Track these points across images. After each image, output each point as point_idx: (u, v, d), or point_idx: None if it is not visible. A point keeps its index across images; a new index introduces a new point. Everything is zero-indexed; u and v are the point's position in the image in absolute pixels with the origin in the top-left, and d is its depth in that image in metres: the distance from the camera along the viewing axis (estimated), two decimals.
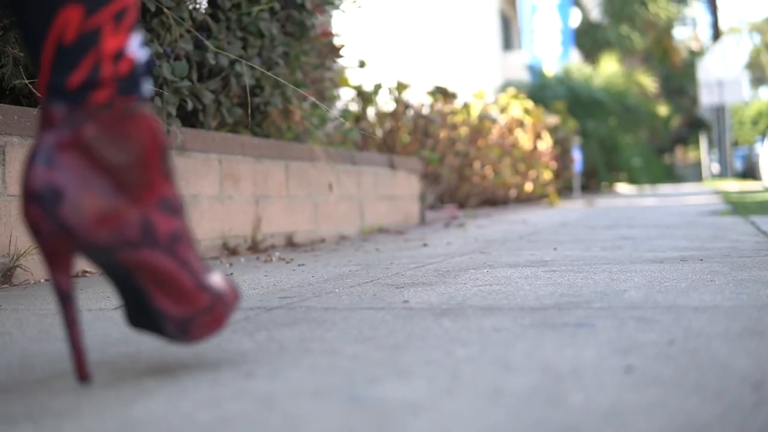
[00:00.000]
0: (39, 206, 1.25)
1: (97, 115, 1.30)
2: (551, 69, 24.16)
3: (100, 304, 2.31)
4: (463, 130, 9.63)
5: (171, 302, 1.37)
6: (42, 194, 1.25)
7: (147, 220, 1.35)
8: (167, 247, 1.37)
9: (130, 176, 1.34)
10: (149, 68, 1.40)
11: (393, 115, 8.13)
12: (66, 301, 1.30)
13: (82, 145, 1.29)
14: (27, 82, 3.03)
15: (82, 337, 1.29)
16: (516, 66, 26.78)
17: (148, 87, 1.38)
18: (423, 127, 8.55)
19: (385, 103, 8.23)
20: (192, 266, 1.40)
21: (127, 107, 1.33)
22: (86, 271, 3.21)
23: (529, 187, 12.66)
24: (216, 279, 1.45)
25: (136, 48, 1.35)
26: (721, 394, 1.10)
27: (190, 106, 3.75)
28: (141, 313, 1.39)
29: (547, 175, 13.61)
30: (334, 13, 5.60)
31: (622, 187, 24.64)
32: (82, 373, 1.29)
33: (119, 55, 1.32)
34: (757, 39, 56.06)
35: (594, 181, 22.16)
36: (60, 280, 1.30)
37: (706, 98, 31.43)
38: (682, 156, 59.10)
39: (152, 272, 1.35)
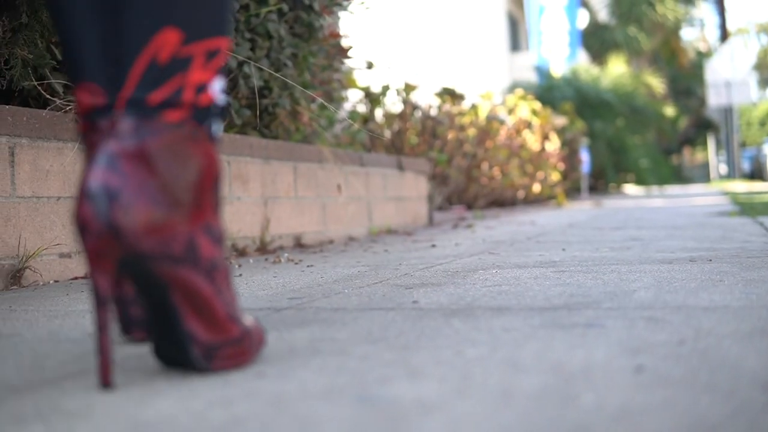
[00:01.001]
0: (92, 205, 1.27)
1: (165, 132, 1.36)
2: (559, 70, 24.13)
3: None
4: (471, 132, 9.63)
5: (201, 326, 1.38)
6: (97, 193, 1.28)
7: (193, 239, 1.38)
8: (207, 271, 1.39)
9: (184, 196, 1.37)
10: (224, 114, 1.49)
11: (401, 116, 8.13)
12: (102, 305, 1.30)
13: (145, 156, 1.33)
14: (36, 83, 3.03)
15: (110, 344, 1.29)
16: (523, 67, 26.75)
17: (218, 129, 1.46)
18: (431, 129, 8.55)
19: (393, 104, 8.23)
20: (226, 297, 1.42)
21: (194, 131, 1.40)
22: None
23: (536, 188, 12.64)
24: (247, 318, 1.48)
25: (218, 90, 1.44)
26: (732, 394, 1.10)
27: None
28: (164, 346, 1.39)
29: (555, 176, 13.59)
30: (342, 14, 5.60)
31: (629, 188, 24.60)
32: (105, 379, 1.28)
33: (202, 87, 1.40)
34: (765, 40, 55.92)
35: (602, 182, 22.13)
36: (100, 283, 1.31)
37: (714, 99, 31.36)
38: (689, 157, 59.03)
39: (188, 292, 1.36)
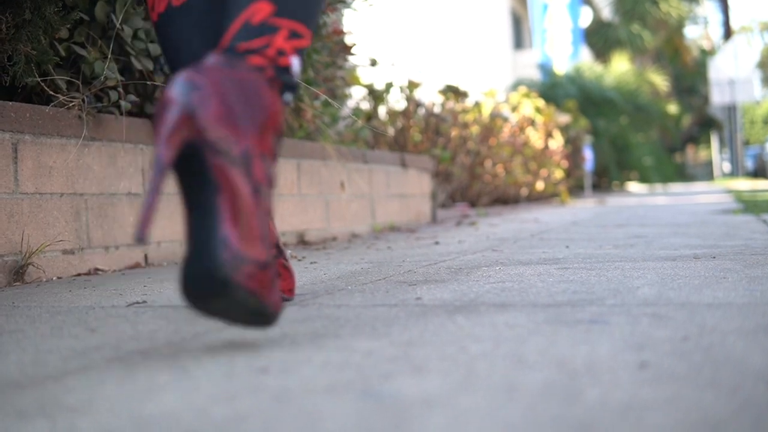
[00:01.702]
0: (177, 88, 1.48)
1: (248, 70, 1.61)
2: (562, 68, 24.12)
3: (112, 301, 2.31)
4: (475, 129, 9.62)
5: (236, 234, 1.46)
6: (183, 82, 1.49)
7: (249, 154, 1.53)
8: (254, 188, 1.52)
9: (251, 120, 1.56)
10: (296, 90, 1.72)
11: (404, 113, 8.12)
12: (160, 172, 1.41)
13: (228, 75, 1.56)
14: (39, 80, 3.03)
15: (157, 203, 1.43)
16: (527, 65, 26.76)
17: (289, 96, 1.70)
18: (434, 126, 8.54)
19: (397, 101, 8.22)
20: (263, 222, 1.53)
21: (271, 80, 1.64)
22: (98, 269, 3.21)
23: (540, 185, 12.64)
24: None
25: (296, 64, 1.70)
26: (736, 390, 1.10)
27: None
28: (194, 251, 1.46)
29: (559, 174, 13.59)
30: (346, 11, 5.60)
31: (633, 186, 24.60)
32: (143, 233, 1.39)
33: (283, 52, 1.66)
34: None
35: (605, 180, 22.13)
36: (165, 153, 1.42)
37: (717, 97, 31.33)
38: (693, 155, 59.01)
39: (233, 197, 1.47)
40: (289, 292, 2.09)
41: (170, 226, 3.64)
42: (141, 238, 1.39)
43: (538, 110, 12.59)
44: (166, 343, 1.62)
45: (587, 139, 17.33)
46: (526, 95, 12.70)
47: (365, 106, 7.56)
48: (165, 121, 1.44)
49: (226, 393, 1.19)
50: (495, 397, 1.11)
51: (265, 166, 1.57)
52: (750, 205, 7.84)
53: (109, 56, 3.24)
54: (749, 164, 36.59)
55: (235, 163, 1.49)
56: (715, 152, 47.98)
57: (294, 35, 1.69)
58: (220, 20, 1.82)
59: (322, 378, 1.26)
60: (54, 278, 3.03)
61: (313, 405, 1.11)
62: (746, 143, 42.14)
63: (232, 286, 1.43)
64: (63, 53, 3.15)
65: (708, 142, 51.81)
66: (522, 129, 11.89)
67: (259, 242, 1.50)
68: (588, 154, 17.10)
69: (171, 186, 3.61)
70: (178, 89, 1.48)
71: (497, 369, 1.27)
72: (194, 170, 1.47)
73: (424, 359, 1.36)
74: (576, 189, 17.13)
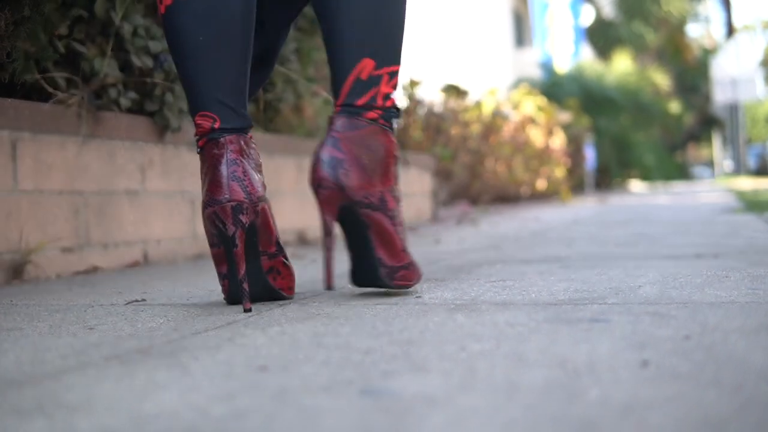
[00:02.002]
0: (325, 169, 2.00)
1: (366, 126, 2.07)
2: (563, 66, 24.12)
3: (111, 299, 2.31)
4: (476, 128, 9.62)
5: (386, 254, 2.09)
6: (329, 161, 2.00)
7: (383, 195, 2.09)
8: (390, 217, 2.09)
9: (377, 167, 2.08)
10: (399, 115, 2.19)
11: (405, 112, 8.12)
12: (328, 234, 2.04)
13: (355, 140, 2.05)
14: (38, 77, 3.02)
15: (333, 259, 2.05)
16: (528, 63, 26.75)
17: (396, 122, 2.17)
18: (435, 125, 8.55)
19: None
20: (401, 236, 2.14)
21: (383, 126, 2.11)
22: (97, 267, 3.21)
23: (541, 184, 12.64)
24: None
25: (396, 99, 2.15)
26: (739, 389, 1.09)
27: None
28: (361, 270, 2.12)
29: (560, 173, 13.58)
30: None
31: (634, 185, 24.61)
32: (329, 283, 2.03)
33: (387, 96, 2.11)
34: None
35: (606, 179, 22.13)
36: (328, 220, 2.03)
37: (720, 96, 31.33)
38: (694, 154, 59.02)
39: (379, 230, 2.08)
40: (288, 291, 2.18)
41: (170, 225, 3.64)
42: (329, 287, 2.05)
43: (539, 109, 12.59)
44: (165, 341, 1.61)
45: (588, 138, 17.34)
46: (527, 94, 12.70)
47: None
48: (322, 198, 2.02)
49: (225, 391, 1.18)
50: (495, 396, 1.10)
51: (394, 194, 2.13)
52: (752, 204, 7.84)
53: (109, 53, 3.23)
54: (751, 163, 36.62)
55: (375, 208, 2.06)
56: (717, 151, 48.00)
57: (392, 76, 2.13)
58: (223, 13, 2.02)
59: (321, 376, 1.25)
60: (53, 276, 3.03)
61: (313, 403, 1.10)
62: (748, 142, 42.11)
63: (392, 288, 2.13)
64: (62, 50, 3.14)
65: (710, 140, 51.84)
66: (523, 127, 11.88)
67: (401, 252, 2.12)
68: (589, 153, 17.11)
69: (171, 186, 3.61)
70: (327, 169, 2.00)
71: (498, 368, 1.26)
72: (349, 218, 2.06)
73: (424, 358, 1.35)
74: (577, 188, 17.12)
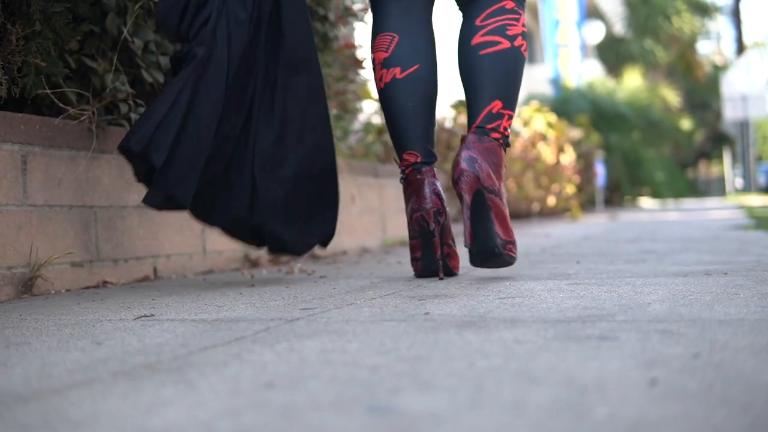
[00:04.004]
0: (465, 163, 2.84)
1: (491, 142, 2.93)
2: (572, 83, 24.12)
3: (120, 314, 2.31)
4: None
5: (501, 230, 2.91)
6: (468, 159, 2.85)
7: (499, 186, 2.92)
8: (504, 203, 2.93)
9: (496, 169, 2.91)
10: (509, 144, 3.05)
11: None
12: (468, 208, 2.85)
13: (484, 148, 2.89)
14: (49, 92, 3.03)
15: (471, 227, 2.89)
16: (539, 80, 26.74)
17: (507, 147, 3.03)
18: (445, 141, 8.54)
19: None
20: (508, 219, 2.97)
21: (501, 145, 2.97)
22: (107, 282, 3.21)
23: (551, 200, 12.63)
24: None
25: (510, 131, 3.04)
26: (748, 408, 1.09)
27: None
28: (482, 239, 2.90)
29: (570, 189, 13.57)
30: (358, 25, 5.60)
31: (645, 202, 24.58)
32: (470, 240, 2.91)
33: (505, 129, 2.99)
34: None
35: (617, 196, 22.12)
36: (468, 199, 2.84)
37: (730, 112, 31.25)
38: (705, 170, 58.94)
39: (497, 211, 2.90)
40: (456, 269, 3.18)
41: (180, 240, 3.64)
42: (469, 244, 2.91)
43: (549, 125, 12.58)
44: (173, 356, 1.61)
45: (599, 154, 17.34)
46: (538, 110, 12.70)
47: (377, 120, 7.56)
48: (465, 183, 2.83)
49: (231, 408, 1.18)
50: (503, 414, 1.10)
51: (503, 188, 2.97)
52: (762, 221, 7.81)
53: (119, 68, 3.24)
54: (762, 180, 36.53)
55: (495, 194, 2.89)
56: (727, 168, 47.92)
57: (510, 118, 3.01)
58: (425, 88, 3.10)
59: (328, 393, 1.25)
60: (62, 291, 3.03)
61: (319, 421, 1.10)
62: (759, 159, 42.03)
63: (503, 256, 2.94)
64: (73, 65, 3.15)
65: (720, 157, 51.73)
66: (534, 144, 11.88)
67: (510, 231, 2.97)
68: (600, 170, 17.11)
69: None
70: (466, 163, 2.84)
71: (505, 385, 1.26)
72: (478, 201, 2.86)
73: (432, 375, 1.35)
74: (588, 204, 17.12)
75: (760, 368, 1.32)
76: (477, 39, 3.03)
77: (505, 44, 3.01)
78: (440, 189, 2.99)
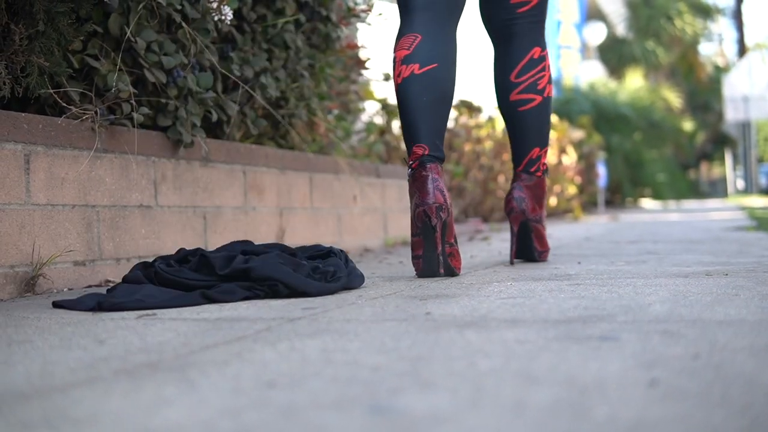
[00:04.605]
0: (517, 202, 3.62)
1: (536, 180, 3.73)
2: (574, 84, 24.11)
3: (122, 313, 2.31)
4: (488, 144, 9.62)
5: (538, 244, 3.77)
6: (518, 198, 3.63)
7: (540, 215, 3.74)
8: (543, 226, 3.78)
9: (539, 200, 3.72)
10: (548, 173, 3.90)
11: None
12: (515, 237, 3.68)
13: (530, 187, 3.70)
14: (52, 91, 3.03)
15: (516, 248, 3.74)
16: None
17: (546, 175, 3.85)
18: (448, 141, 8.54)
19: None
20: (545, 235, 3.85)
21: (541, 178, 3.75)
22: (109, 281, 3.21)
23: (553, 201, 12.62)
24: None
25: (546, 163, 3.80)
26: (747, 409, 1.09)
27: (214, 117, 3.76)
28: (524, 253, 3.78)
29: (572, 190, 13.56)
30: (360, 25, 5.60)
31: (646, 203, 24.56)
32: (512, 259, 3.72)
33: (543, 163, 3.75)
34: None
35: (618, 196, 22.09)
36: (516, 229, 3.65)
37: (732, 114, 31.27)
38: (706, 172, 58.92)
39: (537, 233, 3.75)
40: (459, 269, 3.22)
41: (182, 240, 3.64)
42: (512, 263, 3.71)
43: (551, 126, 12.55)
44: (174, 355, 1.61)
45: (601, 155, 17.32)
46: None
47: (379, 120, 7.56)
48: (514, 217, 3.61)
49: (232, 407, 1.18)
50: (503, 414, 1.10)
51: (543, 212, 3.77)
52: (763, 222, 7.82)
53: (122, 68, 3.24)
54: (763, 181, 36.51)
55: (537, 222, 3.72)
56: (728, 169, 47.91)
57: (545, 153, 3.78)
58: (442, 85, 3.25)
59: (329, 393, 1.25)
60: (65, 289, 3.03)
61: (320, 420, 1.10)
62: (760, 160, 42.02)
63: (542, 261, 3.79)
64: (76, 65, 3.15)
65: (722, 159, 51.74)
66: None
67: (545, 243, 3.83)
68: (601, 170, 17.09)
69: (183, 201, 3.61)
70: (516, 202, 3.62)
71: (506, 385, 1.26)
72: (523, 228, 3.69)
73: (433, 375, 1.35)
74: (589, 205, 17.10)
75: (760, 369, 1.32)
76: (514, 96, 3.71)
77: (538, 99, 3.68)
78: (444, 186, 3.08)
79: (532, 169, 3.70)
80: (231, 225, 3.96)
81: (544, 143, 3.74)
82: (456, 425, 1.06)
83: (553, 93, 3.86)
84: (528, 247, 3.74)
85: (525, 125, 3.70)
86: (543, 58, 3.69)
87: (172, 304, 2.43)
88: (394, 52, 3.30)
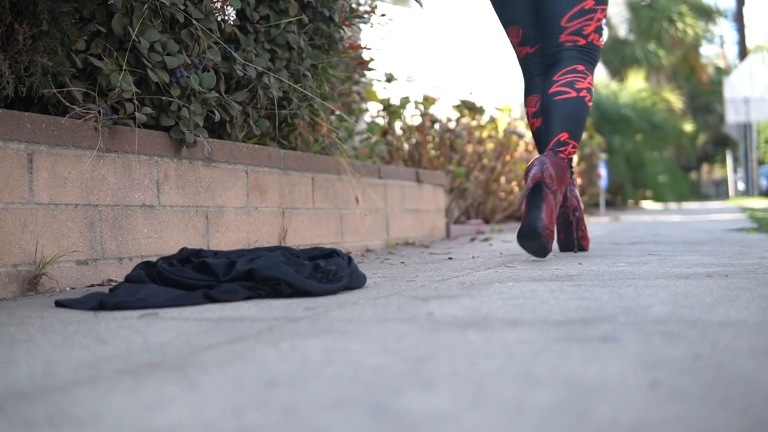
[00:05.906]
0: (538, 165, 3.87)
1: (561, 160, 3.99)
2: None
3: (124, 312, 2.32)
4: (490, 145, 9.61)
5: (546, 218, 3.79)
6: (539, 161, 3.88)
7: (558, 191, 3.94)
8: (557, 201, 3.91)
9: (561, 179, 3.96)
10: (572, 164, 4.31)
11: (420, 129, 8.12)
12: (529, 190, 3.90)
13: (553, 163, 3.91)
14: (55, 91, 3.04)
15: (525, 200, 3.96)
16: None
17: (572, 164, 4.23)
18: (449, 142, 8.54)
19: (412, 117, 8.22)
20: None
21: (567, 163, 4.05)
22: (111, 280, 3.22)
23: None
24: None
25: (571, 154, 4.12)
26: (747, 410, 1.09)
27: (217, 117, 3.76)
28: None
29: None
30: (363, 26, 5.61)
31: (647, 204, 24.55)
32: (520, 208, 4.03)
33: (569, 153, 4.08)
34: None
35: (619, 198, 22.10)
36: (530, 185, 3.86)
37: (732, 116, 31.25)
38: (707, 173, 58.89)
39: (548, 204, 3.85)
40: (587, 244, 4.55)
41: (184, 239, 3.65)
42: (520, 207, 3.95)
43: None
44: (176, 355, 1.61)
45: (602, 157, 17.31)
46: None
47: (381, 121, 7.56)
48: (532, 174, 3.82)
49: (234, 407, 1.18)
50: (504, 415, 1.10)
51: (559, 194, 3.94)
52: (764, 223, 7.81)
53: (125, 68, 3.25)
54: (763, 183, 36.49)
55: (552, 192, 3.85)
56: (729, 171, 47.86)
57: (574, 147, 4.08)
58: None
59: (331, 393, 1.25)
60: (67, 289, 3.04)
61: (321, 420, 1.10)
62: (761, 162, 41.97)
63: (541, 238, 3.79)
64: (80, 65, 3.16)
65: (723, 160, 51.70)
66: None
67: (554, 223, 3.84)
68: (603, 172, 17.08)
69: (186, 200, 3.62)
70: (538, 161, 3.87)
71: (507, 386, 1.27)
72: (536, 189, 3.84)
73: (434, 375, 1.36)
74: (590, 206, 17.10)
75: (760, 370, 1.33)
76: (553, 89, 4.18)
77: (573, 94, 4.13)
78: (577, 193, 4.51)
79: (559, 149, 4.03)
80: (233, 225, 3.97)
81: (574, 133, 4.09)
82: (457, 425, 1.06)
83: (591, 103, 4.31)
84: (535, 213, 3.84)
85: (556, 109, 4.13)
86: (585, 73, 4.28)
87: (174, 304, 2.44)
88: (525, 107, 4.55)
